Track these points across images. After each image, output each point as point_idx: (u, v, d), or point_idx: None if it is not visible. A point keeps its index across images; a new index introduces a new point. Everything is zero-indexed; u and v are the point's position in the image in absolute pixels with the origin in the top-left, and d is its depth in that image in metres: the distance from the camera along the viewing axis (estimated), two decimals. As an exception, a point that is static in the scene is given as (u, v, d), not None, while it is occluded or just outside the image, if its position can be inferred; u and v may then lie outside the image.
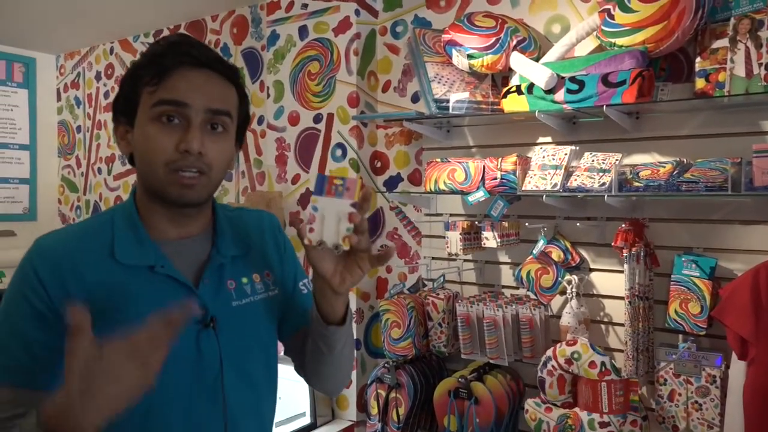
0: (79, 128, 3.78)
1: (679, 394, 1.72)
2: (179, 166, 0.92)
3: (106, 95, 3.60)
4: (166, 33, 3.26)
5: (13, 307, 0.93)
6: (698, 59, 1.69)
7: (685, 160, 1.72)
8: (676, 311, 1.71)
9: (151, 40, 3.33)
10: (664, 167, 1.69)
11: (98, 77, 3.64)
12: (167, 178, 0.93)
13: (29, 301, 0.91)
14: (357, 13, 2.35)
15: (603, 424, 1.70)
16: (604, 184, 1.71)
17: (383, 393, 2.12)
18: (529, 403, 1.87)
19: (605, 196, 1.69)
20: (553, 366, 1.79)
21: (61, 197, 3.89)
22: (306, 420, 2.29)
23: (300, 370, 1.17)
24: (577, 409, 1.77)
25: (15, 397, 0.86)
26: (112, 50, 3.55)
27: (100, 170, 3.64)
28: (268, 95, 2.60)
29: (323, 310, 1.00)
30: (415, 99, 2.36)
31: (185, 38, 0.99)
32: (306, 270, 1.21)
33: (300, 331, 1.12)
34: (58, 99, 3.90)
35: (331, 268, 0.95)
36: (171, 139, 0.92)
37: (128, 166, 3.46)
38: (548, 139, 2.03)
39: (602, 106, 1.69)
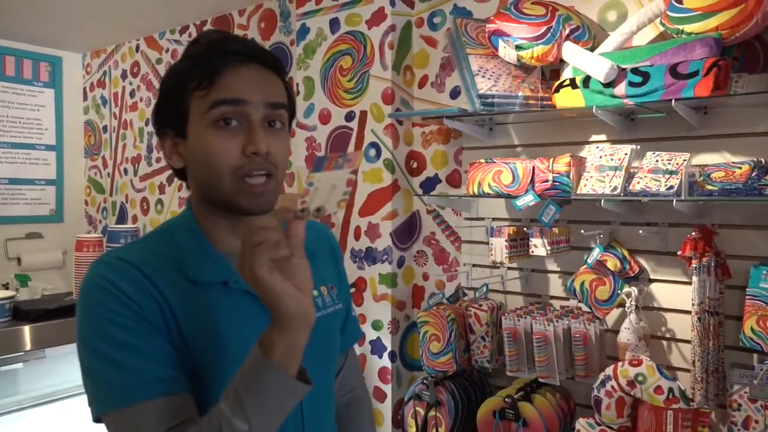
0: (105, 128, 3.71)
1: (756, 422, 1.54)
2: (247, 171, 0.85)
3: (132, 94, 3.52)
4: (192, 29, 3.15)
5: (112, 329, 0.82)
6: (779, 47, 1.50)
7: (763, 160, 1.53)
8: (752, 329, 1.53)
9: (177, 36, 3.23)
10: (740, 168, 1.50)
11: (124, 76, 3.56)
12: (236, 186, 0.86)
13: (132, 316, 0.82)
14: (392, 3, 2.20)
15: (666, 454, 1.54)
16: (671, 187, 1.53)
17: (422, 411, 1.97)
18: (582, 424, 1.71)
19: (674, 201, 1.51)
20: (612, 386, 1.63)
21: (87, 198, 3.83)
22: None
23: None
24: (636, 435, 1.61)
25: (171, 406, 0.82)
26: (137, 48, 3.47)
27: (126, 171, 3.57)
28: (298, 92, 2.47)
29: None
30: (454, 95, 2.20)
31: (223, 33, 0.92)
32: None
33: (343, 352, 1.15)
34: (85, 98, 3.84)
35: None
36: (234, 143, 0.85)
37: (154, 167, 3.37)
38: (602, 137, 1.86)
39: (670, 100, 1.51)
